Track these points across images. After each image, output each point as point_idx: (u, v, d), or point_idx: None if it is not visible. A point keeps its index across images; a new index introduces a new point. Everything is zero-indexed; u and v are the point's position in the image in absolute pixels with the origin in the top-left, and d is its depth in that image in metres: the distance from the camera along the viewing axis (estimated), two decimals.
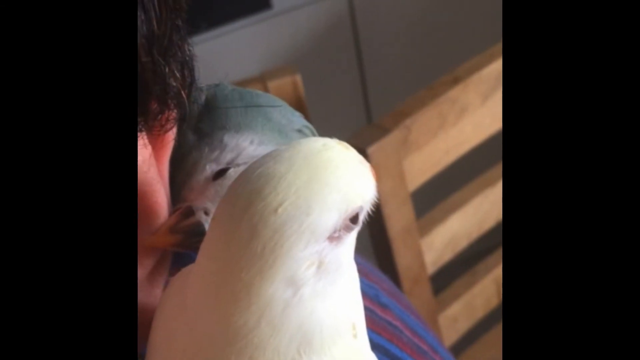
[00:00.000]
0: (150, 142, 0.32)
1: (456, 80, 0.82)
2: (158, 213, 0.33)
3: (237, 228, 0.27)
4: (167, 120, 0.32)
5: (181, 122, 0.40)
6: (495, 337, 1.00)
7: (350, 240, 0.29)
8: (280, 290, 0.27)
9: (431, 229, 0.87)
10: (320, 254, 0.27)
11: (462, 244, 0.90)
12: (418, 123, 0.81)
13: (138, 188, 0.31)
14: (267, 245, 0.26)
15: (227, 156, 0.37)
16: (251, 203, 0.27)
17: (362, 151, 0.78)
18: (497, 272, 0.94)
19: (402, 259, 0.85)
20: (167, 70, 0.30)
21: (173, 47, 0.30)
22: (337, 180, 0.28)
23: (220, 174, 0.36)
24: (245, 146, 0.38)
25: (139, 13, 0.28)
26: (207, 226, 0.33)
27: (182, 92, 0.32)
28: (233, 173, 0.36)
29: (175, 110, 0.32)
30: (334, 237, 0.28)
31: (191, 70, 0.33)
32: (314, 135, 0.42)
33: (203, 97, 0.41)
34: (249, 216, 0.27)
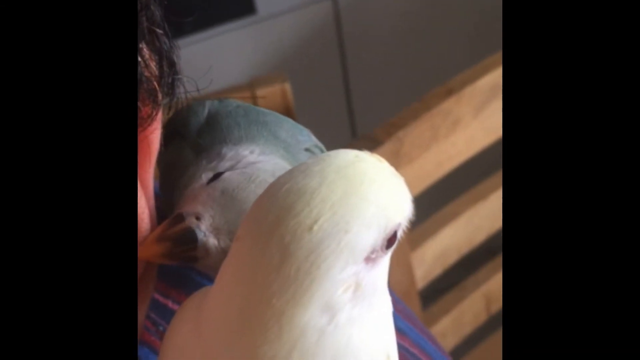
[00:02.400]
0: None
1: (450, 92, 0.81)
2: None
3: (266, 249, 0.24)
4: (141, 117, 0.28)
5: (180, 137, 0.37)
6: (483, 353, 0.98)
7: (386, 261, 0.27)
8: (316, 318, 0.24)
9: (422, 242, 0.85)
10: (357, 276, 0.25)
11: (452, 258, 0.88)
12: (410, 135, 0.79)
13: None
14: (302, 267, 0.24)
15: (225, 165, 0.34)
16: (281, 221, 0.24)
17: None
18: (486, 288, 0.92)
19: (392, 273, 0.81)
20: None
21: (141, 33, 0.27)
22: (375, 194, 0.25)
23: (215, 177, 0.33)
24: (245, 154, 0.35)
25: None
26: (199, 233, 0.31)
27: (157, 87, 0.28)
28: (228, 175, 0.33)
29: (149, 107, 0.28)
30: (371, 258, 0.25)
31: (171, 63, 0.29)
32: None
33: (205, 112, 0.38)
34: (280, 235, 0.24)
